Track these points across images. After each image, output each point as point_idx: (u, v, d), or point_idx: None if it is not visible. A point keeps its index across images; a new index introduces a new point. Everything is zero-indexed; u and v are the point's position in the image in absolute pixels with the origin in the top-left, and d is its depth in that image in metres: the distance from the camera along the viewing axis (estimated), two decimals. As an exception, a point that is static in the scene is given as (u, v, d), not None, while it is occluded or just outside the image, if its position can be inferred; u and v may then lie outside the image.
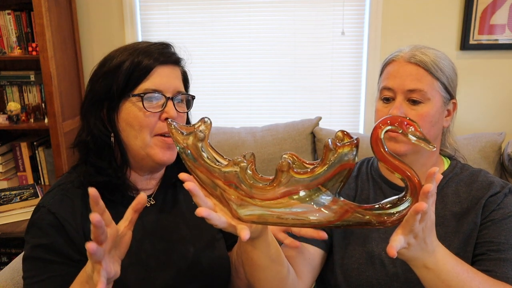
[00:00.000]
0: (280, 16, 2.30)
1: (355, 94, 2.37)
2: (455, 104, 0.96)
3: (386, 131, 0.64)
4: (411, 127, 0.62)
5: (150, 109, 0.83)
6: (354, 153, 0.59)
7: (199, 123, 0.68)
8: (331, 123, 2.32)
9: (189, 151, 0.65)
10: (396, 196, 0.65)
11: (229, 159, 0.65)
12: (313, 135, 2.06)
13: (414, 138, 0.62)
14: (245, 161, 0.62)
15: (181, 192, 0.99)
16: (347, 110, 2.40)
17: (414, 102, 0.89)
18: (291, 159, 0.63)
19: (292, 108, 2.40)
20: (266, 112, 2.42)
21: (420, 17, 2.21)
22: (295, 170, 0.61)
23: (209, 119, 0.68)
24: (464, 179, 0.96)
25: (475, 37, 2.17)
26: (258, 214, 0.64)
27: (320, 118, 2.11)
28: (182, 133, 0.66)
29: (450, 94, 0.93)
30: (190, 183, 0.64)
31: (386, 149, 0.63)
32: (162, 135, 0.86)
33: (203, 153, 0.64)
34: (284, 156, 0.63)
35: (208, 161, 0.64)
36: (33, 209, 0.89)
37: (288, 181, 0.61)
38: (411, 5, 2.20)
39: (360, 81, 2.35)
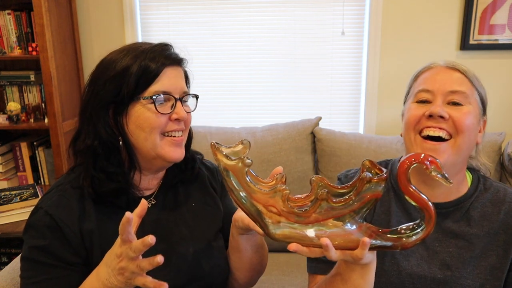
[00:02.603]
0: (280, 16, 2.30)
1: (355, 94, 2.37)
2: (485, 122, 0.93)
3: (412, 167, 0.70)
4: (434, 165, 0.70)
5: (161, 111, 0.85)
6: (383, 185, 0.68)
7: (239, 144, 0.72)
8: (331, 123, 2.32)
9: (231, 174, 0.69)
10: (413, 222, 0.72)
11: (270, 184, 0.71)
12: (313, 135, 2.06)
13: (437, 174, 0.70)
14: (287, 189, 0.68)
15: (181, 192, 0.99)
16: (347, 110, 2.40)
17: (455, 104, 0.87)
18: (322, 183, 0.69)
19: (292, 108, 2.40)
20: (266, 112, 2.42)
21: (420, 17, 2.21)
22: (333, 200, 0.68)
23: (248, 141, 0.72)
24: (489, 198, 0.93)
25: (475, 37, 2.17)
26: (291, 235, 0.70)
27: (320, 118, 2.11)
28: (229, 158, 0.69)
29: (484, 109, 0.91)
30: (294, 245, 0.69)
31: (411, 184, 0.70)
32: (170, 135, 0.88)
33: (246, 178, 0.69)
34: (313, 178, 0.69)
35: (251, 185, 0.69)
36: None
37: (325, 208, 0.68)
38: (411, 5, 2.20)
39: (360, 81, 2.35)
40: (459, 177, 0.93)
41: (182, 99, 0.89)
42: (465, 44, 2.18)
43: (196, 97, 0.94)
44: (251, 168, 0.70)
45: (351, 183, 0.70)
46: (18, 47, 2.17)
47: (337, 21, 2.27)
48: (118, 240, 0.73)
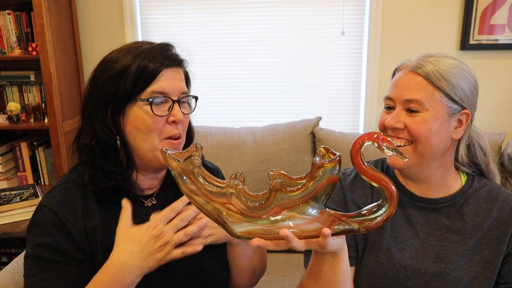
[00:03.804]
0: (280, 16, 2.30)
1: (355, 94, 2.37)
2: (468, 115, 0.92)
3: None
4: (386, 142, 0.69)
5: (158, 113, 0.85)
6: (338, 168, 0.67)
7: (191, 148, 0.72)
8: (331, 123, 2.32)
9: (185, 177, 0.69)
10: (375, 203, 0.72)
11: (225, 182, 0.70)
12: (313, 135, 2.06)
13: (389, 151, 0.70)
14: (241, 184, 0.67)
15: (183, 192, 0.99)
16: (347, 110, 2.40)
17: (412, 112, 0.90)
18: (279, 177, 0.69)
19: (292, 108, 2.40)
20: (266, 112, 2.42)
21: (420, 17, 2.21)
22: (287, 188, 0.67)
23: (200, 145, 0.72)
24: (483, 195, 0.96)
25: (475, 37, 2.17)
26: (254, 230, 0.69)
27: (320, 118, 2.11)
28: (178, 161, 0.69)
29: (459, 104, 0.90)
30: (256, 240, 0.68)
31: (365, 163, 0.70)
32: (170, 138, 0.88)
33: (199, 178, 0.68)
34: (271, 173, 0.69)
35: (204, 185, 0.69)
36: (33, 209, 0.90)
37: (281, 199, 0.67)
38: (411, 5, 2.20)
39: (360, 81, 2.35)
40: (443, 172, 0.95)
41: (180, 100, 0.88)
42: (465, 44, 2.18)
43: (196, 98, 0.94)
44: (204, 169, 0.70)
45: (308, 172, 0.69)
46: (18, 47, 2.17)
47: (337, 21, 2.27)
48: (149, 225, 0.81)
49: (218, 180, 0.71)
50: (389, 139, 0.69)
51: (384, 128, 0.95)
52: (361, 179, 1.03)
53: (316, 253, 0.79)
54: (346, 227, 0.70)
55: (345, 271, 0.81)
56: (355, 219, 0.71)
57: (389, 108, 0.95)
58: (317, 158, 0.67)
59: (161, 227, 0.81)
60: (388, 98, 0.95)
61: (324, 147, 0.71)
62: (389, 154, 0.70)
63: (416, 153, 0.90)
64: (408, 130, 0.90)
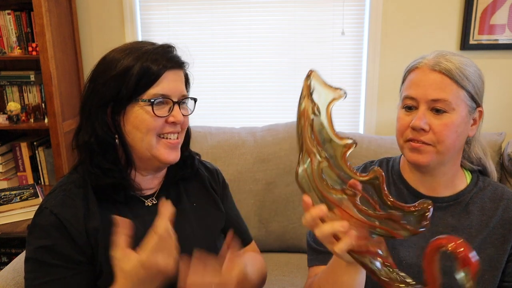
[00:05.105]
0: (280, 16, 2.30)
1: (355, 94, 2.37)
2: (481, 112, 0.92)
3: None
4: (470, 266, 0.67)
5: (159, 113, 0.85)
6: (422, 228, 0.66)
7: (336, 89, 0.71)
8: (331, 123, 2.32)
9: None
10: (411, 280, 0.71)
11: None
12: (313, 135, 2.06)
13: (460, 268, 0.68)
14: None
15: (183, 191, 0.99)
16: (347, 110, 2.40)
17: (438, 112, 0.87)
18: (378, 179, 0.67)
19: (292, 108, 2.38)
20: (266, 112, 2.42)
21: (420, 17, 2.21)
22: (395, 216, 0.67)
23: (344, 90, 0.71)
24: (488, 194, 0.97)
25: (475, 37, 2.17)
26: (312, 189, 0.73)
27: (320, 118, 2.11)
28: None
29: (476, 102, 0.90)
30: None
31: (435, 265, 0.69)
32: (166, 137, 0.88)
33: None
34: (375, 168, 0.68)
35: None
36: (33, 209, 0.90)
37: (384, 219, 0.67)
38: (411, 5, 2.20)
39: (360, 81, 2.35)
40: (453, 170, 0.96)
41: (180, 102, 0.89)
42: (465, 44, 2.18)
43: (195, 100, 0.95)
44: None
45: (402, 204, 0.67)
46: (18, 47, 2.17)
47: (337, 21, 2.27)
48: (140, 265, 0.72)
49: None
50: (473, 262, 0.67)
51: (405, 130, 0.91)
52: (393, 188, 1.01)
53: (334, 261, 0.80)
54: (367, 263, 0.71)
55: (360, 282, 0.80)
56: (385, 270, 0.71)
57: (409, 108, 0.91)
58: (432, 211, 0.66)
59: (150, 263, 0.73)
60: (409, 97, 0.90)
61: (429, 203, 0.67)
62: (459, 272, 0.69)
63: (438, 153, 0.89)
64: (433, 132, 0.87)
